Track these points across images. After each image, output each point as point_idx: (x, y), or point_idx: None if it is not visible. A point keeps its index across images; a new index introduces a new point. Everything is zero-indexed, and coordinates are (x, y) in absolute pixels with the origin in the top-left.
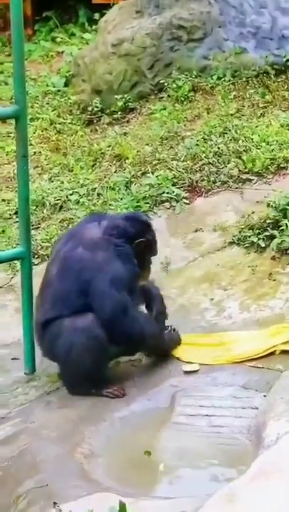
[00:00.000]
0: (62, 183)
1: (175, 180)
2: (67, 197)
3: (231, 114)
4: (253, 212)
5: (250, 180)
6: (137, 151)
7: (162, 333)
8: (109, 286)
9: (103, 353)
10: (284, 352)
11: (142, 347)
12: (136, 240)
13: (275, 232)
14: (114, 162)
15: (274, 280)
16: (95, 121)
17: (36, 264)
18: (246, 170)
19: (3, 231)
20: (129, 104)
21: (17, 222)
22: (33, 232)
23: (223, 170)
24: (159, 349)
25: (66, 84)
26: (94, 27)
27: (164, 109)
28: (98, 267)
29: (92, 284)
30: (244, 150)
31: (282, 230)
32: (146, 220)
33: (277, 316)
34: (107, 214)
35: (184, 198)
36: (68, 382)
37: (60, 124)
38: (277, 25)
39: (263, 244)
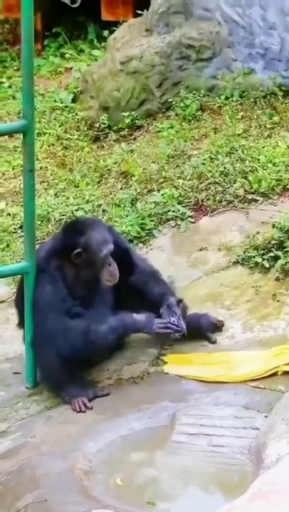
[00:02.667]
0: (68, 198)
1: (181, 198)
2: (72, 213)
3: (238, 134)
4: (257, 233)
5: (255, 200)
6: (143, 169)
7: (122, 323)
8: (37, 314)
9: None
10: (286, 373)
11: (97, 348)
12: (72, 253)
13: (280, 253)
14: (120, 179)
15: (278, 301)
16: (101, 137)
17: None
18: (252, 190)
19: (8, 245)
20: (137, 121)
21: (22, 236)
22: (37, 246)
23: (229, 190)
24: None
25: (74, 100)
26: (103, 44)
27: (172, 127)
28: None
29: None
30: (250, 170)
31: (287, 251)
32: (79, 226)
33: (280, 336)
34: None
35: (189, 216)
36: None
37: (67, 139)
38: (286, 47)
39: (267, 265)
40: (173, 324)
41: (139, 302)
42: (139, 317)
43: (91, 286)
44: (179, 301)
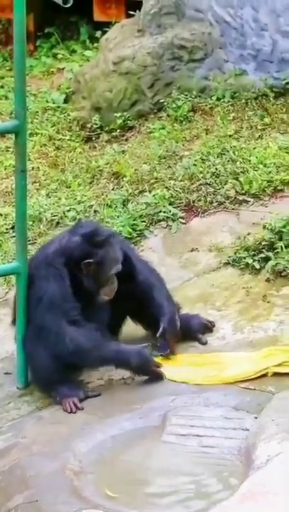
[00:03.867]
0: (60, 199)
1: (172, 199)
2: (64, 213)
3: (230, 136)
4: (248, 234)
5: (246, 201)
6: (135, 170)
7: (111, 348)
8: (35, 306)
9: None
10: (276, 374)
11: (79, 362)
12: (83, 261)
13: (270, 254)
14: (111, 180)
15: (268, 302)
16: (93, 138)
17: None
18: (243, 191)
19: (0, 245)
20: (129, 122)
21: (13, 236)
22: (29, 247)
23: (220, 191)
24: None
25: (66, 101)
26: (95, 44)
27: (163, 128)
28: (32, 284)
29: (29, 306)
30: (241, 171)
31: (278, 252)
32: (100, 239)
33: (270, 338)
34: (88, 225)
35: (180, 217)
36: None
37: (59, 140)
38: (278, 48)
39: (257, 266)
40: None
41: (140, 309)
42: (134, 359)
43: (89, 294)
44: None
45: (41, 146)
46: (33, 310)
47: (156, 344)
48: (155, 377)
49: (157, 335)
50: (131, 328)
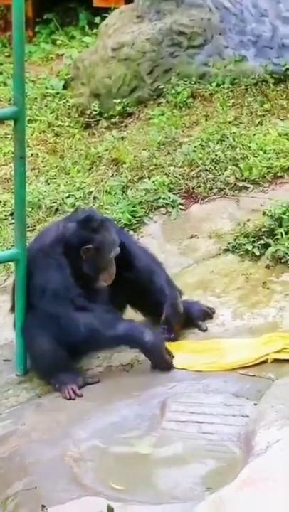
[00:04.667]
0: (59, 185)
1: (171, 186)
2: (63, 200)
3: (229, 122)
4: (248, 220)
5: (246, 188)
6: (134, 156)
7: (119, 333)
8: (39, 297)
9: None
10: (276, 361)
11: (86, 348)
12: (82, 247)
13: (270, 241)
14: (111, 166)
15: (268, 289)
16: (92, 124)
17: None
18: (243, 178)
19: None
20: (128, 108)
21: (13, 223)
22: (28, 234)
23: (220, 177)
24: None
25: (65, 87)
26: (94, 30)
27: (163, 114)
28: (32, 275)
29: (29, 295)
30: (241, 158)
31: (277, 238)
32: (96, 224)
33: (270, 324)
34: (85, 212)
35: (179, 204)
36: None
37: (57, 126)
38: (278, 34)
39: (257, 253)
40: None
41: (140, 296)
42: (148, 337)
43: (88, 281)
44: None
45: (40, 133)
46: (37, 302)
47: (159, 330)
48: (165, 364)
49: (162, 319)
50: (128, 316)
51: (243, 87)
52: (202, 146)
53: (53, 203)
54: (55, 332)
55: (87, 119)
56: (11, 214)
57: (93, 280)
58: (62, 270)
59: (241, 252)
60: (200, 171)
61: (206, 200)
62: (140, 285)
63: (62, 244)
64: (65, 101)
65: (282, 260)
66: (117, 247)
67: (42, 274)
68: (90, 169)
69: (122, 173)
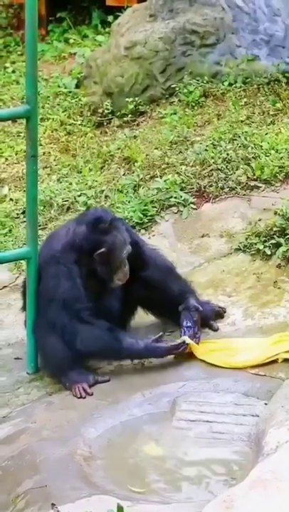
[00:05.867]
0: (71, 184)
1: (183, 185)
2: (75, 198)
3: (241, 121)
4: (259, 220)
5: (258, 187)
6: (146, 155)
7: (124, 344)
8: (46, 304)
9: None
10: (286, 360)
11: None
12: (94, 253)
13: (282, 240)
14: (122, 165)
15: (279, 288)
16: (105, 123)
17: None
18: (254, 177)
19: (11, 230)
20: (140, 107)
21: (24, 221)
22: (40, 232)
23: (232, 176)
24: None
25: (77, 86)
26: (107, 29)
27: (175, 113)
28: (42, 281)
29: (39, 298)
30: (253, 157)
31: None
32: (106, 225)
33: (281, 324)
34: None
35: (191, 203)
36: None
37: (70, 125)
38: None
39: (268, 252)
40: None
41: (154, 297)
42: (144, 353)
43: (102, 283)
44: (197, 308)
45: (52, 131)
46: (45, 307)
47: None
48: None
49: (184, 323)
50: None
51: (255, 86)
52: (214, 145)
53: (65, 201)
54: (73, 343)
55: (99, 118)
56: (23, 212)
57: (108, 281)
58: (73, 279)
59: (252, 252)
60: (212, 170)
61: (217, 199)
62: (152, 286)
63: (74, 251)
64: (77, 99)
65: None
66: (129, 245)
67: (52, 281)
68: (101, 168)
69: (133, 172)
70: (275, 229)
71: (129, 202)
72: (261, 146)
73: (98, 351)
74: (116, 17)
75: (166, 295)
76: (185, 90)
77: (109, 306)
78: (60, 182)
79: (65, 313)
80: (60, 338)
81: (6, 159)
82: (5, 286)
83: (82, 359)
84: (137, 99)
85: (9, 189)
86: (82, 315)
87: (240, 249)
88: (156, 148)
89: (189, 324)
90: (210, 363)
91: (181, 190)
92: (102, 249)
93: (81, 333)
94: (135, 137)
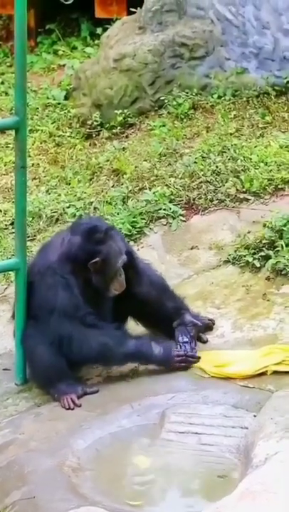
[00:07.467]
0: (60, 195)
1: (172, 197)
2: (63, 210)
3: (230, 134)
4: (249, 232)
5: (247, 200)
6: (135, 167)
7: (130, 348)
8: (46, 316)
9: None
10: (275, 372)
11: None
12: (89, 262)
13: (271, 253)
14: (111, 177)
15: (268, 300)
16: (94, 135)
17: None
18: (244, 189)
19: None
20: (129, 119)
21: (13, 233)
22: (28, 243)
23: (221, 189)
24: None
25: (66, 98)
26: (96, 41)
27: (164, 125)
28: (39, 293)
29: (38, 308)
30: (242, 170)
31: (278, 250)
32: (101, 235)
33: (269, 336)
34: (85, 222)
35: (180, 215)
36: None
37: (59, 136)
38: (280, 47)
39: (258, 264)
40: (187, 356)
41: (147, 312)
42: (158, 351)
43: (97, 293)
44: (195, 324)
45: (41, 143)
46: (45, 319)
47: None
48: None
49: (181, 338)
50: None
51: (244, 99)
52: (203, 157)
53: (54, 212)
54: (68, 350)
55: (88, 130)
56: (12, 223)
57: (103, 291)
58: (71, 289)
59: (242, 264)
60: (201, 182)
61: (206, 211)
62: (150, 304)
63: (70, 261)
64: (66, 111)
65: (283, 272)
66: (124, 255)
67: (50, 293)
68: (90, 179)
69: (122, 184)
70: (264, 241)
71: (118, 214)
72: (250, 159)
73: (114, 350)
74: (105, 29)
75: (160, 311)
76: (174, 103)
77: (103, 318)
78: (49, 193)
79: (68, 323)
80: (49, 349)
81: None
82: None
83: (73, 369)
84: (126, 111)
85: None
86: (87, 320)
87: (230, 262)
88: (145, 160)
89: (186, 339)
90: (199, 375)
91: (170, 202)
92: (96, 259)
93: (92, 336)
94: (124, 149)
